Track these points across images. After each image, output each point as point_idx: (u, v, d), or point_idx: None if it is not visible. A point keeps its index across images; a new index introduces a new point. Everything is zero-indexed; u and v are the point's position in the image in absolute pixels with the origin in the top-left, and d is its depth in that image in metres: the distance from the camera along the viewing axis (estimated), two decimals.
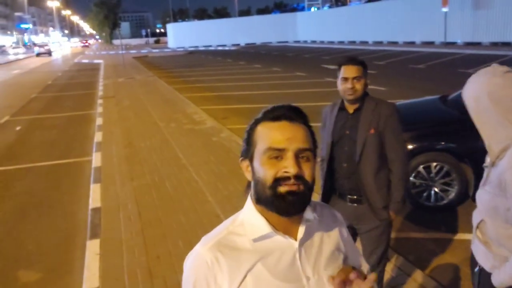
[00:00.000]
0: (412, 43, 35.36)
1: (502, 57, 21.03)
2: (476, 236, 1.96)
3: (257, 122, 1.17)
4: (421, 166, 4.87)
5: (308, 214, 1.16)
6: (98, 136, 9.38)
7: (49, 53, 58.31)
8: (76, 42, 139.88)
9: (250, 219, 1.16)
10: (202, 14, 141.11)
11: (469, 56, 23.32)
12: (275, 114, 1.13)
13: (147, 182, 6.25)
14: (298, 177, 1.07)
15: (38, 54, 57.81)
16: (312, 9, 71.83)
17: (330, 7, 72.35)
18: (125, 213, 5.17)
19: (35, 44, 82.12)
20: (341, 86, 2.63)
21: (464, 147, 4.91)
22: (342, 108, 2.74)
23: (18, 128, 11.44)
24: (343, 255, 1.26)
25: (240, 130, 9.29)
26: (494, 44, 28.01)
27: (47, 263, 4.42)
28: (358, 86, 2.58)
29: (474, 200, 2.12)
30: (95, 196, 5.85)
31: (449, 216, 4.83)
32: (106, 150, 8.23)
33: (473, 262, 2.06)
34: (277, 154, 1.09)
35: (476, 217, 1.97)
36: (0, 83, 25.43)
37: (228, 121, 10.39)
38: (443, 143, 4.95)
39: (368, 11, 42.97)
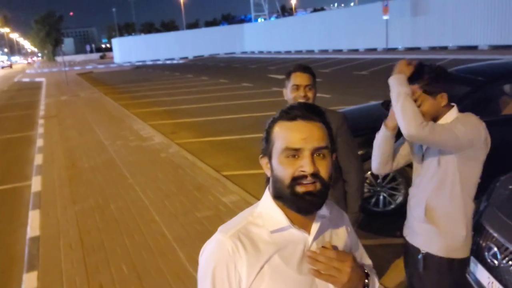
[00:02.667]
0: (356, 51, 36.43)
1: (440, 61, 21.98)
2: (424, 222, 2.25)
3: (274, 121, 1.20)
4: (368, 173, 4.89)
5: (323, 210, 1.22)
6: (38, 159, 8.90)
7: (10, 66, 74.89)
8: (19, 61, 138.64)
9: (268, 211, 1.21)
10: (149, 28, 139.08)
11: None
12: (292, 114, 1.16)
13: (91, 205, 5.94)
14: (314, 175, 1.11)
15: (3, 67, 74.66)
16: (259, 20, 72.62)
17: (277, 17, 73.51)
18: (66, 240, 4.86)
19: None
20: (291, 94, 2.50)
21: None
22: None
23: None
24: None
25: (189, 144, 9.10)
26: (433, 49, 29.36)
27: None
28: (310, 94, 2.49)
29: None
30: (33, 224, 5.48)
31: (398, 221, 4.86)
32: (47, 173, 7.81)
33: (409, 257, 2.42)
34: (294, 153, 1.13)
35: (417, 207, 2.31)
36: None
37: (176, 136, 10.17)
38: None
39: (313, 20, 44.04)
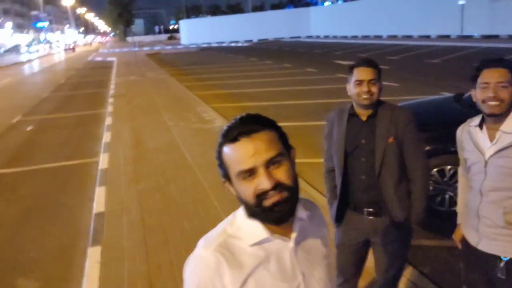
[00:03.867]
0: (427, 37, 34.81)
1: None
2: (504, 228, 2.10)
3: (220, 145, 1.16)
4: (435, 170, 4.65)
5: (301, 213, 1.20)
6: (106, 136, 9.31)
7: (90, 44, 79.15)
8: (93, 40, 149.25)
9: (247, 224, 1.18)
10: (215, 10, 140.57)
11: (487, 50, 22.77)
12: (232, 135, 1.12)
13: (152, 184, 6.13)
14: (276, 186, 1.08)
15: (66, 50, 75.85)
16: (326, 3, 71.09)
17: (344, 1, 71.58)
18: (129, 218, 5.05)
19: (50, 42, 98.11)
20: (355, 89, 2.41)
21: None
22: (352, 115, 2.51)
23: (29, 128, 11.44)
24: (329, 256, 1.33)
25: None
26: None
27: (47, 271, 4.33)
28: (374, 89, 2.38)
29: None
30: (99, 200, 5.74)
31: None
32: (114, 150, 8.15)
33: (482, 265, 2.25)
34: (248, 173, 1.10)
35: (492, 214, 2.12)
36: (13, 83, 25.68)
37: None
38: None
39: (383, 4, 42.36)
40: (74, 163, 8.00)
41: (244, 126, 1.12)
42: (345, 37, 46.99)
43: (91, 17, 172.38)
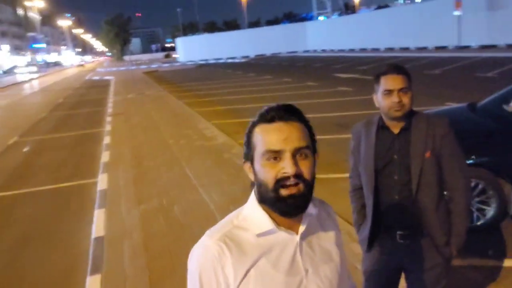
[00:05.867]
0: (424, 49, 34.82)
1: None
2: None
3: (254, 125, 1.18)
4: None
5: (310, 208, 1.19)
6: (105, 156, 9.05)
7: (83, 65, 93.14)
8: (93, 59, 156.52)
9: (253, 214, 1.19)
10: (212, 27, 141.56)
11: (486, 60, 22.67)
12: (270, 116, 1.15)
13: (155, 206, 5.84)
14: (297, 176, 1.10)
15: (78, 65, 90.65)
16: (321, 18, 71.52)
17: (339, 15, 72.10)
18: (130, 243, 4.76)
19: (48, 63, 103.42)
20: (384, 101, 2.14)
21: (500, 160, 4.44)
22: (382, 127, 2.24)
23: (25, 149, 11.18)
24: (338, 257, 1.28)
25: None
26: (510, 46, 27.33)
27: None
28: (406, 99, 2.12)
29: None
30: (99, 223, 5.46)
31: (490, 239, 4.32)
32: (113, 171, 7.88)
33: None
34: (275, 155, 1.11)
35: None
36: (10, 104, 25.47)
37: (239, 135, 9.98)
38: (474, 157, 4.47)
39: (378, 18, 42.64)
40: (73, 184, 7.71)
41: (283, 112, 1.14)
42: (343, 50, 47.07)
43: (88, 37, 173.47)
